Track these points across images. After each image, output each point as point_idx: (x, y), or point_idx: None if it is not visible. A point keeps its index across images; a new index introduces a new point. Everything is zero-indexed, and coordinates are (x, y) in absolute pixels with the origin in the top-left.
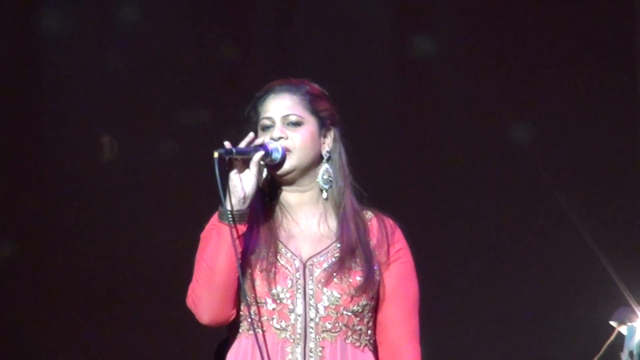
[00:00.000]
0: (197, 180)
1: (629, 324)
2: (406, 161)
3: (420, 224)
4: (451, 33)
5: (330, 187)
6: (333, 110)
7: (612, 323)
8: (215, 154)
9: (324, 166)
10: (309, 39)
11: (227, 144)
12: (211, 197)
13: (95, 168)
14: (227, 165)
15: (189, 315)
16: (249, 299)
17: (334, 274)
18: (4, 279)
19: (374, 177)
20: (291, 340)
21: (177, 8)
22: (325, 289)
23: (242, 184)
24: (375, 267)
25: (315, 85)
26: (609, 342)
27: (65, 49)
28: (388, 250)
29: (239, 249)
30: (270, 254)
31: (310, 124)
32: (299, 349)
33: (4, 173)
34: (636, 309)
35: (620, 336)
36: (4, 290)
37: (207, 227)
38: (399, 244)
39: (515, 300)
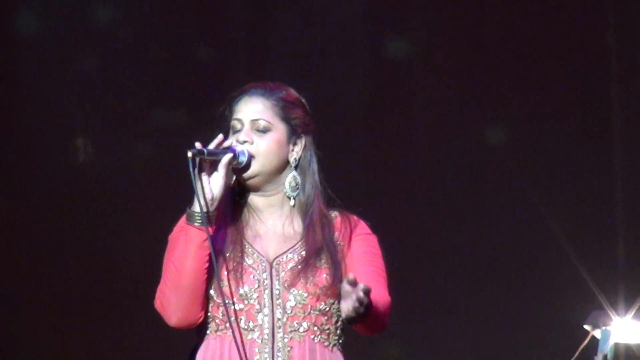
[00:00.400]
0: (172, 180)
1: (603, 327)
2: (380, 162)
3: (395, 226)
4: (425, 35)
5: (298, 194)
6: (306, 119)
7: (586, 327)
8: (190, 154)
9: (292, 173)
10: (284, 40)
11: (198, 145)
12: (185, 198)
13: (70, 169)
14: (196, 166)
15: (161, 318)
16: (217, 300)
17: (300, 273)
18: None
19: (347, 179)
20: (259, 341)
21: (152, 8)
22: (292, 289)
23: (210, 186)
24: (341, 263)
25: (292, 91)
26: (583, 345)
27: (40, 50)
28: (350, 237)
29: (207, 251)
30: (236, 254)
31: (279, 130)
32: (267, 349)
33: None
34: (610, 313)
35: (594, 340)
36: None
37: (175, 229)
38: (363, 230)
39: (490, 303)
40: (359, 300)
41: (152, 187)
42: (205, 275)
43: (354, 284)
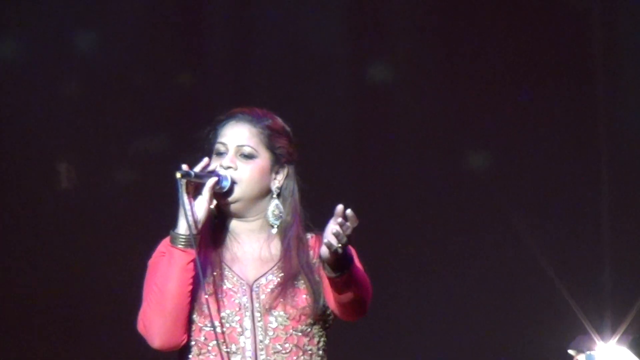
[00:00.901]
0: (153, 206)
1: (587, 352)
2: (361, 186)
3: (377, 251)
4: (408, 59)
5: (280, 223)
6: (291, 148)
7: (571, 352)
8: (178, 175)
9: (274, 202)
10: (265, 66)
11: (185, 167)
12: (165, 224)
13: (52, 195)
14: (184, 188)
15: (143, 342)
16: (199, 324)
17: (280, 295)
18: None
19: (329, 204)
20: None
21: (132, 34)
22: (272, 311)
23: (195, 209)
24: (320, 290)
25: (278, 120)
26: None
27: (21, 76)
28: None
29: (191, 274)
30: (217, 277)
31: (263, 158)
32: None
33: None
34: (594, 337)
35: None
36: None
37: (155, 254)
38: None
39: (474, 328)
40: (340, 224)
41: (133, 212)
42: (189, 298)
43: (337, 215)
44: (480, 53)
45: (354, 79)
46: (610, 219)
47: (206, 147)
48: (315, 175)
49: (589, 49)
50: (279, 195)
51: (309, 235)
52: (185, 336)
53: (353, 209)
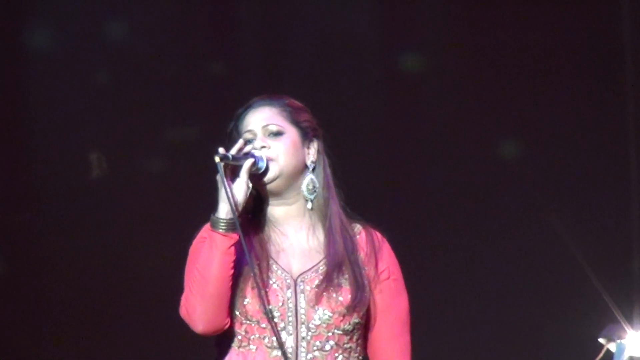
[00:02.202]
0: (185, 194)
1: (618, 341)
2: (394, 176)
3: (408, 239)
4: (439, 49)
5: (315, 197)
6: (314, 123)
7: (601, 340)
8: (217, 158)
9: (309, 176)
10: (297, 55)
11: (222, 150)
12: (199, 211)
13: (83, 184)
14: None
15: (180, 329)
16: (241, 317)
17: (325, 292)
18: None
19: (361, 191)
20: (283, 359)
21: (164, 24)
22: (316, 307)
23: (234, 192)
24: (365, 283)
25: (295, 100)
26: (597, 359)
27: (53, 66)
28: (377, 265)
29: (232, 257)
30: (261, 271)
31: (292, 133)
32: None
33: None
34: (625, 326)
35: (609, 353)
36: None
37: (197, 239)
38: (388, 260)
39: (504, 317)
40: None
41: (165, 202)
42: (231, 282)
43: None
44: (511, 42)
45: (385, 68)
46: None
47: (232, 145)
48: (345, 164)
49: (620, 38)
50: (313, 170)
51: (356, 228)
52: (228, 319)
53: (383, 198)
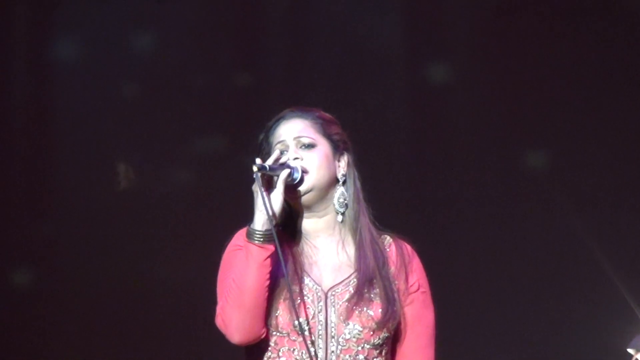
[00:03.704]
0: (212, 205)
1: None
2: (419, 187)
3: (434, 249)
4: (466, 60)
5: (345, 210)
6: (344, 136)
7: (630, 350)
8: (255, 168)
9: (340, 189)
10: (323, 66)
11: (259, 161)
12: (226, 221)
13: (111, 195)
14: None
15: (205, 339)
16: (271, 328)
17: (356, 306)
18: (21, 305)
19: (387, 203)
20: None
21: (191, 36)
22: (347, 322)
23: (271, 203)
24: (396, 297)
25: (326, 113)
26: None
27: (80, 77)
28: (407, 279)
29: (269, 269)
30: (294, 284)
31: (324, 146)
32: None
33: (20, 200)
34: None
35: None
36: (20, 316)
37: (229, 247)
38: (418, 273)
39: (530, 326)
40: None
41: (192, 212)
42: (267, 293)
43: None
44: (538, 53)
45: (412, 79)
46: None
47: (262, 157)
48: (372, 175)
49: None
50: (344, 183)
51: (386, 240)
52: (264, 330)
53: (409, 209)
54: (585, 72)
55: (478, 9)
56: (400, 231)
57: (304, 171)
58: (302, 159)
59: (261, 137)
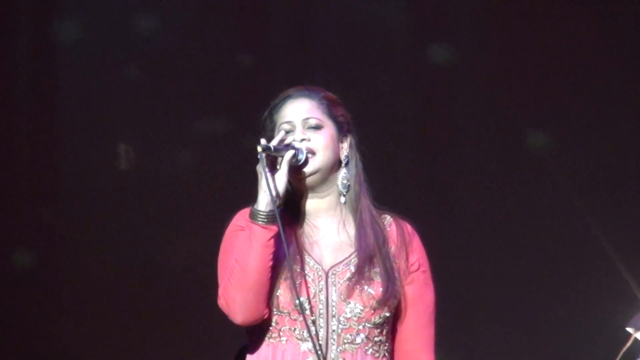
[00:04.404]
0: (214, 186)
1: None
2: (423, 168)
3: (437, 230)
4: (469, 41)
5: (348, 191)
6: (348, 118)
7: (629, 329)
8: (259, 149)
9: (343, 171)
10: (326, 47)
11: (263, 141)
12: (227, 202)
13: (112, 176)
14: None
15: (208, 320)
16: (272, 308)
17: (356, 285)
18: (23, 288)
19: (390, 183)
20: (312, 351)
21: (194, 17)
22: (348, 301)
23: (275, 183)
24: (396, 276)
25: (330, 93)
26: (625, 348)
27: (83, 58)
28: (407, 258)
29: (272, 249)
30: (296, 263)
31: (329, 127)
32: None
33: (22, 182)
34: None
35: (637, 342)
36: (22, 298)
37: (231, 227)
38: (418, 252)
39: (532, 306)
40: None
41: (193, 194)
42: (270, 273)
43: None
44: (542, 33)
45: (415, 60)
46: None
47: (265, 135)
48: (375, 157)
49: None
50: (347, 164)
51: (386, 220)
52: (267, 310)
53: (412, 190)
54: (588, 52)
55: None
56: (402, 211)
57: (310, 152)
58: (309, 140)
59: (265, 114)
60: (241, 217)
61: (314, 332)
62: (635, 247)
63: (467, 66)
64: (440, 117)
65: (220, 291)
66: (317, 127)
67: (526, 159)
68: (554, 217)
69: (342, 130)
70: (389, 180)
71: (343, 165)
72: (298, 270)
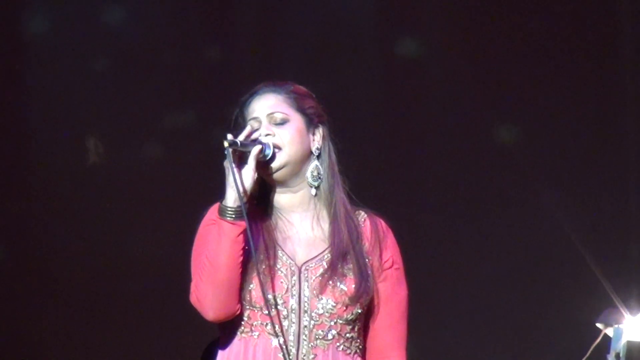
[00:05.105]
0: (182, 180)
1: (615, 325)
2: (392, 161)
3: (406, 223)
4: (437, 34)
5: (320, 184)
6: (320, 109)
7: (599, 325)
8: (226, 144)
9: (314, 163)
10: (293, 39)
11: (230, 136)
12: (195, 196)
13: (80, 170)
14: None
15: (176, 314)
16: (244, 302)
17: (329, 281)
18: None
19: (360, 177)
20: (284, 346)
21: (161, 10)
22: (320, 296)
23: (242, 179)
24: (369, 273)
25: (300, 86)
26: (595, 344)
27: (50, 51)
28: (381, 255)
29: (241, 245)
30: (268, 258)
31: (297, 120)
32: (291, 356)
33: None
34: (622, 311)
35: (607, 338)
36: None
37: (204, 222)
38: (392, 249)
39: (501, 301)
40: None
41: (162, 188)
42: (241, 269)
43: None
44: (510, 27)
45: (383, 54)
46: (638, 192)
47: (237, 132)
48: (343, 151)
49: (618, 23)
50: (319, 156)
51: (361, 216)
52: (238, 306)
53: (380, 184)
54: (558, 47)
55: None
56: (371, 206)
57: (276, 147)
58: (274, 135)
59: (236, 112)
60: (214, 211)
61: (286, 327)
62: (604, 241)
63: (435, 60)
64: (408, 111)
65: (192, 288)
66: (283, 122)
67: (495, 153)
68: (523, 212)
69: (312, 123)
70: (354, 174)
71: (315, 157)
72: (270, 265)
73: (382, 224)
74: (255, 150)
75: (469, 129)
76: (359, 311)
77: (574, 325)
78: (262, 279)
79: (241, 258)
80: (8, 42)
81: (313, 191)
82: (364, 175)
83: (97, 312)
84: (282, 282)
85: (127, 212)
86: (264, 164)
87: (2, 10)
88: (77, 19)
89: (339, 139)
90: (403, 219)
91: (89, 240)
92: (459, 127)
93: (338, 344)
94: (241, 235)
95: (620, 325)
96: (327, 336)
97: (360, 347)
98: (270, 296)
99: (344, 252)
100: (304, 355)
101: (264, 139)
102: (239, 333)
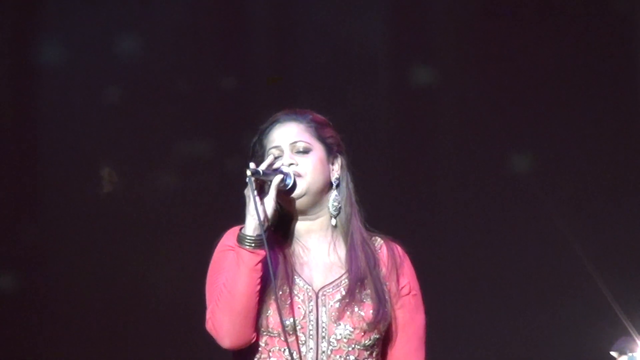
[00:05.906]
0: (197, 209)
1: (630, 354)
2: (405, 190)
3: (419, 253)
4: (451, 62)
5: (339, 214)
6: (338, 139)
7: (613, 353)
8: (249, 172)
9: (334, 193)
10: (308, 68)
11: (252, 165)
12: (210, 225)
13: (94, 200)
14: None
15: (193, 342)
16: (261, 329)
17: (347, 307)
18: (5, 311)
19: (371, 205)
20: None
21: (175, 39)
22: (338, 322)
23: (263, 207)
24: (387, 299)
25: (319, 115)
26: None
27: (64, 81)
28: (398, 280)
29: (260, 274)
30: (285, 284)
31: (318, 150)
32: None
33: (4, 204)
34: (637, 339)
35: None
36: (4, 322)
37: (219, 248)
38: (409, 275)
39: (515, 329)
40: None
41: (176, 216)
42: (258, 297)
43: None
44: (522, 55)
45: (397, 82)
46: None
47: (255, 160)
48: (357, 178)
49: (633, 51)
50: (337, 186)
51: (377, 242)
52: (254, 334)
53: (394, 212)
54: (570, 74)
55: (462, 12)
56: (385, 232)
57: (298, 175)
58: (297, 164)
59: (254, 140)
60: (230, 236)
61: (304, 353)
62: (619, 269)
63: (448, 88)
64: (421, 139)
65: (208, 315)
66: (306, 151)
67: (508, 182)
68: (536, 239)
69: (332, 152)
70: (367, 202)
71: (334, 187)
72: (287, 291)
73: (398, 249)
74: (276, 179)
75: (481, 158)
76: (377, 337)
77: (588, 353)
78: (279, 304)
79: (259, 286)
80: (21, 72)
81: (333, 221)
82: (375, 203)
83: (113, 343)
84: (299, 308)
85: (141, 241)
86: (284, 193)
87: (17, 39)
88: (92, 48)
89: (352, 166)
90: (418, 247)
91: (103, 270)
92: (472, 154)
93: None
94: (260, 264)
95: (635, 354)
96: None
97: None
98: (288, 322)
99: (362, 278)
100: None
101: (285, 169)
102: (255, 359)
